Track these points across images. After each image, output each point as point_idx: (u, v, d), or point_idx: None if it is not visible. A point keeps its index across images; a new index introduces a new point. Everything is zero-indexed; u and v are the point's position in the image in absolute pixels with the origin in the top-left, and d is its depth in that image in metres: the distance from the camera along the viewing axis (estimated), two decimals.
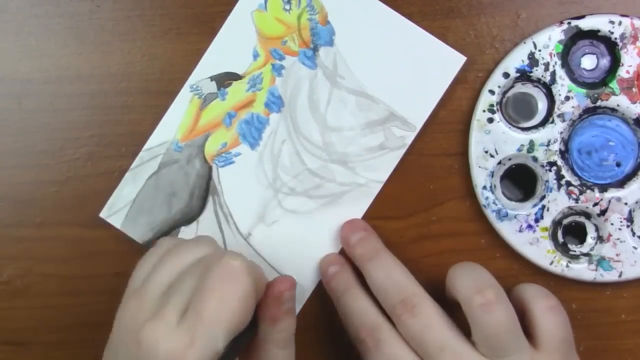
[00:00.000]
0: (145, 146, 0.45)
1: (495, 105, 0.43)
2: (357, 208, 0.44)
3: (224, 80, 0.44)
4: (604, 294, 0.44)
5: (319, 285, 0.45)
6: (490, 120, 0.43)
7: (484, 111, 0.43)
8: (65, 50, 0.45)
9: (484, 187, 0.43)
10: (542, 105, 0.43)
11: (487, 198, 0.43)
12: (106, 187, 0.45)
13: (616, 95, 0.42)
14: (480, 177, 0.43)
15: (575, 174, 0.43)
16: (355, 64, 0.44)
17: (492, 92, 0.43)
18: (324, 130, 0.44)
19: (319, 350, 0.46)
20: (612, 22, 0.42)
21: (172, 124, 0.44)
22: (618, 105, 0.42)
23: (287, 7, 0.44)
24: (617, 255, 0.43)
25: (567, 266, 0.43)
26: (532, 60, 0.42)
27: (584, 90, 0.42)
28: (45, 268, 0.44)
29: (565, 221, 0.44)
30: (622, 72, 0.42)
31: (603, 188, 0.43)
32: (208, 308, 0.35)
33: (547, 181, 0.43)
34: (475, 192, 0.43)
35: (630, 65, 0.42)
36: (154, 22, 0.44)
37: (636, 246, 0.43)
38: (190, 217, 0.45)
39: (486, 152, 0.43)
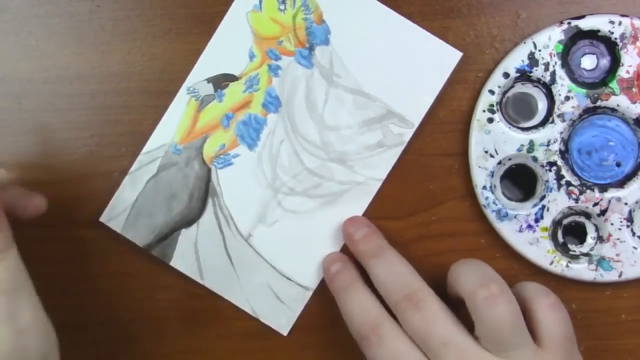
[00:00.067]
0: (144, 149, 0.44)
1: (495, 105, 0.43)
2: (357, 206, 0.44)
3: (221, 81, 0.44)
4: (604, 294, 0.44)
5: (321, 286, 0.45)
6: (490, 120, 0.43)
7: (484, 111, 0.43)
8: (65, 50, 0.45)
9: (484, 187, 0.43)
10: (542, 105, 0.43)
11: (487, 198, 0.43)
12: (106, 187, 0.45)
13: (616, 95, 0.42)
14: (480, 177, 0.43)
15: (575, 174, 0.43)
16: (352, 63, 0.44)
17: (492, 92, 0.43)
18: (322, 130, 0.44)
19: (321, 351, 0.46)
20: (612, 22, 0.42)
21: (170, 127, 0.44)
22: (618, 105, 0.42)
23: (282, 7, 0.44)
24: (617, 255, 0.43)
25: (567, 266, 0.43)
26: (532, 60, 0.42)
27: (584, 90, 0.42)
28: (45, 268, 0.44)
29: (565, 221, 0.44)
30: (622, 72, 0.42)
31: (603, 188, 0.43)
32: None
33: (547, 181, 0.43)
34: (475, 192, 0.43)
35: (630, 65, 0.42)
36: (154, 22, 0.44)
37: (636, 246, 0.43)
38: (190, 219, 0.45)
39: (486, 152, 0.43)
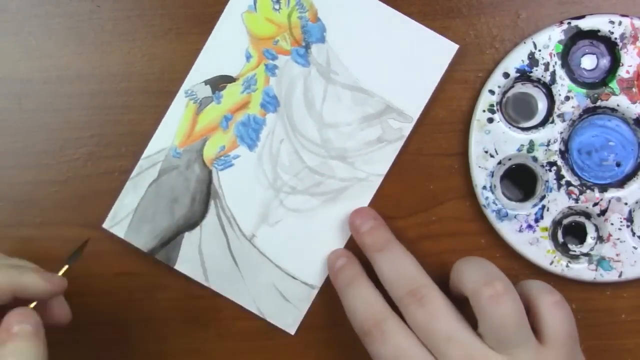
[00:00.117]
0: (144, 154, 0.44)
1: (495, 105, 0.43)
2: (359, 202, 0.44)
3: (219, 83, 0.44)
4: (604, 294, 0.44)
5: (324, 284, 0.45)
6: (490, 120, 0.43)
7: (484, 111, 0.43)
8: (65, 50, 0.45)
9: (484, 187, 0.43)
10: (542, 105, 0.43)
11: (487, 198, 0.43)
12: (106, 187, 0.45)
13: (616, 95, 0.42)
14: (480, 177, 0.43)
15: (575, 174, 0.43)
16: (348, 59, 0.44)
17: (492, 92, 0.43)
18: (321, 127, 0.44)
19: (323, 350, 0.46)
20: (612, 22, 0.42)
21: (170, 131, 0.44)
22: (618, 105, 0.42)
23: (277, 6, 0.44)
24: (617, 255, 0.43)
25: (567, 266, 0.43)
26: (532, 60, 0.42)
27: (584, 90, 0.42)
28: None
29: (565, 221, 0.44)
30: (622, 72, 0.42)
31: (603, 188, 0.43)
32: None
33: (547, 181, 0.43)
34: (475, 192, 0.43)
35: (630, 65, 0.42)
36: (154, 22, 0.44)
37: (636, 246, 0.43)
38: (193, 222, 0.45)
39: (486, 152, 0.43)
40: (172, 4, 0.44)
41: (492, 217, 0.43)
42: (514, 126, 0.43)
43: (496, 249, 0.44)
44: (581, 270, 0.43)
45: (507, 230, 0.43)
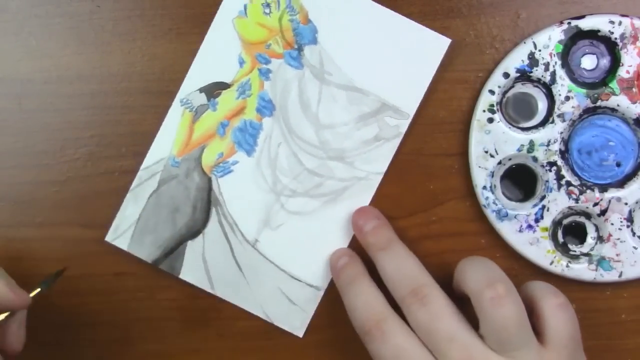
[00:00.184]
0: (143, 165, 0.44)
1: (495, 105, 0.43)
2: (360, 202, 0.44)
3: (213, 90, 0.44)
4: (604, 294, 0.44)
5: (331, 286, 0.44)
6: (490, 120, 0.43)
7: (484, 111, 0.43)
8: (65, 50, 0.45)
9: (484, 187, 0.43)
10: (542, 105, 0.43)
11: (487, 198, 0.43)
12: (106, 187, 0.45)
13: (616, 95, 0.42)
14: (480, 177, 0.43)
15: (575, 174, 0.43)
16: (342, 59, 0.44)
17: (492, 92, 0.43)
18: (318, 129, 0.44)
19: (323, 350, 0.46)
20: (612, 22, 0.42)
21: (167, 140, 0.44)
22: (618, 105, 0.42)
23: (267, 10, 0.44)
24: (617, 255, 0.43)
25: (567, 266, 0.43)
26: (532, 60, 0.42)
27: (584, 90, 0.42)
28: (45, 268, 0.44)
29: (565, 221, 0.44)
30: (622, 72, 0.42)
31: (603, 188, 0.43)
32: None
33: (547, 181, 0.43)
34: (475, 192, 0.43)
35: (630, 65, 0.42)
36: (155, 22, 0.44)
37: (636, 246, 0.43)
38: (195, 230, 0.45)
39: (486, 152, 0.43)
40: (172, 4, 0.44)
41: (492, 217, 0.43)
42: (514, 126, 0.43)
43: (496, 249, 0.44)
44: (581, 270, 0.43)
45: (507, 230, 0.43)
